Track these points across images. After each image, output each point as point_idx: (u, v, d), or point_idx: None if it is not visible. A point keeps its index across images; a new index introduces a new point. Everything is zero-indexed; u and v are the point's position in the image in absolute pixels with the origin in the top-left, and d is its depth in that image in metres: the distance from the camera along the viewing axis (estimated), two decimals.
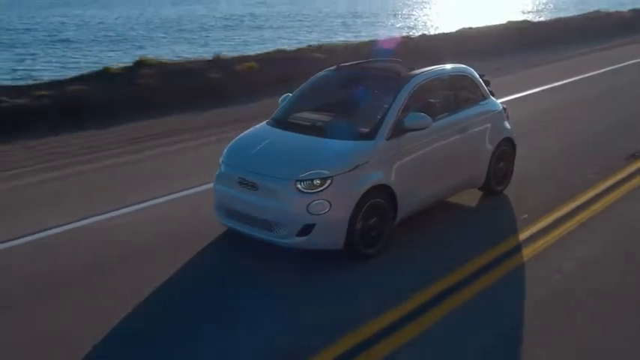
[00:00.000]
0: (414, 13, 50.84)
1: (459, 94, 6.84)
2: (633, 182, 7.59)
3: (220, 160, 6.03)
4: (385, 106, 5.97)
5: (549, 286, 5.16)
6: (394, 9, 53.71)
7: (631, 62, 16.91)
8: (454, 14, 43.88)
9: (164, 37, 34.16)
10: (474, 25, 21.58)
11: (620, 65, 16.34)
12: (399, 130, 5.82)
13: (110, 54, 26.77)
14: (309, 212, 5.30)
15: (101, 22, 41.92)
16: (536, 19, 32.97)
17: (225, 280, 5.30)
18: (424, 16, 47.67)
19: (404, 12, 51.29)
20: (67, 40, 32.17)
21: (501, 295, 5.03)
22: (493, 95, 7.34)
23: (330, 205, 5.31)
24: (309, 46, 17.05)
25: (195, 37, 34.36)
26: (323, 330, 4.49)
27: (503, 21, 23.96)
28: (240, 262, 5.62)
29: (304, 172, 5.38)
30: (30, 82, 13.08)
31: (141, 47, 29.11)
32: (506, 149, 7.20)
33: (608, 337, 4.45)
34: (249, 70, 13.62)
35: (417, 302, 4.87)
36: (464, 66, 7.20)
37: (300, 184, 5.34)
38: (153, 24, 41.20)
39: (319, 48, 16.10)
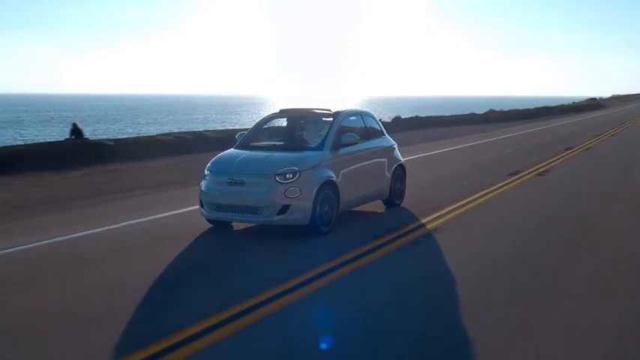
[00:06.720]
0: None
1: (368, 128, 9.39)
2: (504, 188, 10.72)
3: (206, 172, 7.92)
4: (326, 130, 8.35)
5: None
6: None
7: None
8: None
9: None
10: None
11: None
12: (337, 145, 8.15)
13: None
14: (286, 196, 7.31)
15: None
16: None
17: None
18: None
19: None
20: None
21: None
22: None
23: (300, 190, 7.37)
24: None
25: None
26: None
27: None
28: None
29: (280, 169, 7.48)
30: None
31: None
32: (400, 173, 9.82)
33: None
34: None
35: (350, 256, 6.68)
36: (369, 110, 9.93)
37: (278, 177, 7.40)
38: None
39: None
